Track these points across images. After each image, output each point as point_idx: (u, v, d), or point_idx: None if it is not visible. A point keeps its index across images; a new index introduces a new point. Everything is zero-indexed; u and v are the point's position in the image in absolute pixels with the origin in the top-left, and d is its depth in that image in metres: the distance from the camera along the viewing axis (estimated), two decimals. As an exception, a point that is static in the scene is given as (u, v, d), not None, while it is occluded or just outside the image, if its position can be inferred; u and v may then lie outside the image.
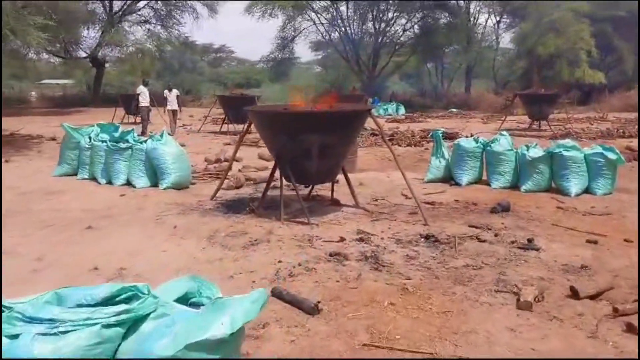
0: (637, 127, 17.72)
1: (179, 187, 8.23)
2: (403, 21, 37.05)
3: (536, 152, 8.07)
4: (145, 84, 17.58)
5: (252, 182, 8.87)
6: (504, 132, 8.51)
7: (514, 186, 8.24)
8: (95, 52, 37.57)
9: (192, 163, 11.00)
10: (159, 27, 40.98)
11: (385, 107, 30.65)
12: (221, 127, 18.51)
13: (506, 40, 45.84)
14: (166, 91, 17.98)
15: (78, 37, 37.01)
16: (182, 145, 14.54)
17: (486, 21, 43.55)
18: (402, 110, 30.76)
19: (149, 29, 40.68)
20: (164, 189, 8.10)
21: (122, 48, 40.32)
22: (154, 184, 8.30)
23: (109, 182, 8.60)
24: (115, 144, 8.55)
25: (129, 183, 8.42)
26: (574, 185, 7.78)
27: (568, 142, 8.13)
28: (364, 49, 36.95)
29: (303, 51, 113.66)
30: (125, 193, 7.90)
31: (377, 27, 36.65)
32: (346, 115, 6.18)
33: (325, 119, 6.06)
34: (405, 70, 44.49)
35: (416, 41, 38.19)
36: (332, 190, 7.32)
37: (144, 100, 17.17)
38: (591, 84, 30.61)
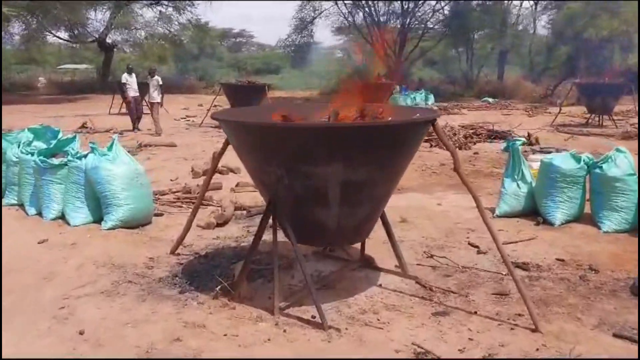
0: None
1: (132, 224, 5.55)
2: (433, 2, 33.97)
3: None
4: (130, 72, 14.77)
5: (246, 211, 6.17)
6: (622, 148, 5.62)
7: (634, 228, 5.41)
8: (103, 35, 35.15)
9: (173, 175, 8.36)
10: (170, 8, 38.47)
11: (413, 96, 27.74)
12: (226, 121, 15.75)
13: (542, 23, 42.50)
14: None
15: (83, 19, 34.66)
16: (172, 145, 12.29)
17: (521, 2, 40.25)
18: (431, 99, 27.76)
19: (160, 11, 38.18)
20: (108, 229, 5.43)
21: (131, 31, 38.11)
22: (99, 219, 5.64)
23: (39, 213, 5.96)
24: (45, 158, 5.88)
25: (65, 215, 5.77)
26: None
27: None
28: (389, 32, 33.83)
29: (324, 35, 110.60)
30: (49, 237, 5.23)
31: (404, 7, 33.52)
32: (393, 130, 3.37)
33: (353, 136, 3.27)
34: (432, 55, 41.41)
35: (446, 23, 35.20)
36: (363, 244, 4.55)
37: (131, 90, 14.45)
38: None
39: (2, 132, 6.92)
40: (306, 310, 3.65)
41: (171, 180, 8.01)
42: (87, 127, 14.79)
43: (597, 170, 5.56)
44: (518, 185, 6.05)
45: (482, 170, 9.00)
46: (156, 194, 7.02)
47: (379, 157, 3.41)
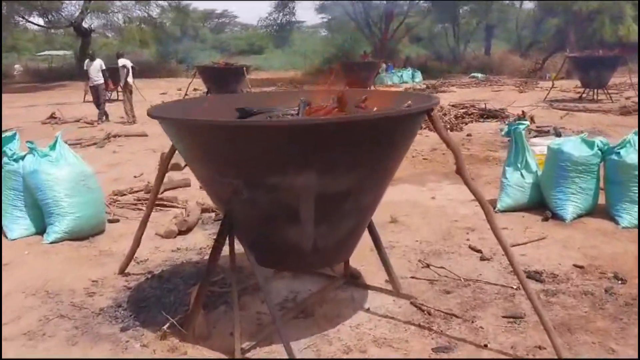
0: None
1: (79, 235, 4.78)
2: (418, -24, 33.05)
3: None
4: (92, 58, 13.75)
5: (214, 214, 5.41)
6: (642, 130, 4.91)
7: (657, 222, 4.74)
8: (79, 19, 33.89)
9: (138, 170, 7.57)
10: (148, -10, 37.32)
11: (399, 73, 26.96)
12: (203, 107, 14.89)
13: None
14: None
15: (56, 4, 33.41)
16: (143, 135, 11.41)
17: (508, -25, 39.28)
18: (418, 77, 27.04)
19: (137, -7, 37.01)
20: (51, 243, 4.65)
21: (107, 15, 36.96)
22: (42, 229, 4.86)
23: (-26, 225, 5.17)
24: (-23, 161, 5.06)
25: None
26: None
27: None
28: (375, 8, 32.91)
29: (307, 14, 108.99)
30: (-21, 254, 4.46)
31: (389, -18, 32.57)
32: (381, 125, 2.58)
33: (329, 135, 2.50)
34: (418, 32, 40.55)
35: (432, -2, 34.42)
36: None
37: (96, 77, 13.45)
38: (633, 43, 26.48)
39: None
40: (277, 351, 2.93)
41: (135, 176, 7.23)
42: (55, 118, 13.88)
43: (614, 157, 4.85)
44: (522, 175, 5.34)
45: (476, 154, 8.28)
46: (116, 195, 6.26)
47: (364, 160, 2.66)
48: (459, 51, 38.76)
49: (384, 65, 24.99)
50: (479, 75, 27.72)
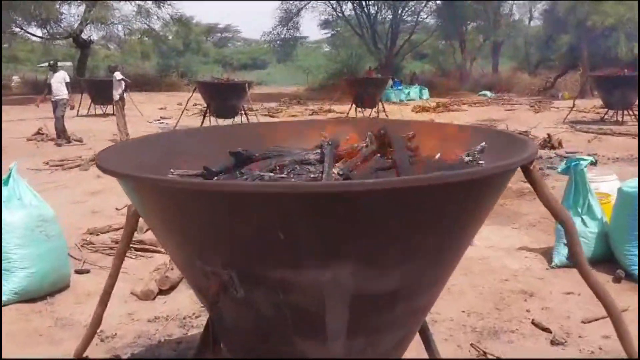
0: None
1: (34, 296, 3.78)
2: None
3: None
4: (54, 69, 12.33)
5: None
6: None
7: None
8: (77, 31, 33.21)
9: (122, 202, 6.55)
10: (149, 2, 36.59)
11: (407, 91, 26.06)
12: (202, 123, 13.94)
13: (538, 13, 40.88)
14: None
15: (55, 14, 32.72)
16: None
17: (517, -8, 38.57)
18: (426, 94, 26.15)
19: (139, 5, 36.30)
20: (-5, 308, 3.66)
21: (107, 26, 36.27)
22: (-12, 288, 3.85)
23: None
24: None
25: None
26: None
27: None
28: (381, 23, 32.19)
29: (311, 30, 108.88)
30: None
31: (396, -3, 31.85)
32: (456, 189, 1.59)
33: (379, 208, 1.50)
34: (422, 48, 39.83)
35: (439, 14, 33.73)
36: None
37: (59, 91, 12.02)
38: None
39: None
40: None
41: (117, 209, 6.22)
42: (42, 134, 12.93)
43: None
44: (584, 222, 4.33)
45: (508, 186, 7.27)
46: (90, 234, 5.27)
47: (426, 244, 1.66)
48: (466, 68, 37.98)
49: (390, 82, 24.10)
50: (488, 93, 26.85)
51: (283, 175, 1.76)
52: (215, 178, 2.00)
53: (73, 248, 4.79)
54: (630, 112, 14.44)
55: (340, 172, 1.74)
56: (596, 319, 3.44)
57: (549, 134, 10.90)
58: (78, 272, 4.34)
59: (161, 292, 3.93)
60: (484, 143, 2.11)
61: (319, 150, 1.98)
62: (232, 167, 2.00)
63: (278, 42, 36.45)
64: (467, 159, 2.01)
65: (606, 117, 15.09)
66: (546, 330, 3.35)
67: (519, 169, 1.83)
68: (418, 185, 1.48)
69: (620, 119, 14.50)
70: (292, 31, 35.08)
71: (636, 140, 11.49)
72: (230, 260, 1.62)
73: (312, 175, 1.80)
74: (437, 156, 2.03)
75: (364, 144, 2.09)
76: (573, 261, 1.93)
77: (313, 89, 32.28)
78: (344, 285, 1.60)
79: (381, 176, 1.80)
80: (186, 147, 2.39)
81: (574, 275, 4.16)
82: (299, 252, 1.53)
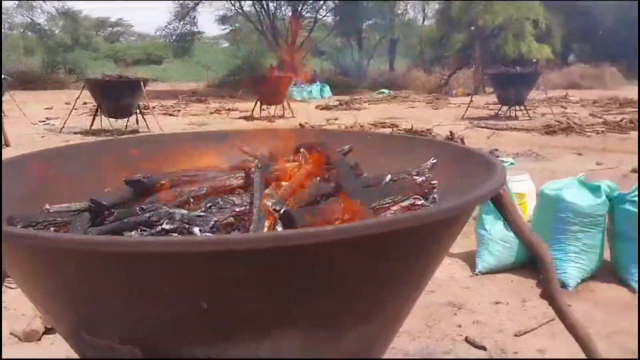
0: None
1: None
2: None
3: None
4: None
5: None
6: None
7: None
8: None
9: None
10: (29, -6, 34.16)
11: (308, 89, 25.94)
12: (92, 124, 12.89)
13: (431, 12, 42.37)
14: None
15: None
16: None
17: (411, -9, 39.71)
18: (327, 92, 26.17)
19: (18, -3, 33.78)
20: None
21: (-18, 21, 33.33)
22: None
23: None
24: None
25: None
26: None
27: None
28: (280, 19, 31.90)
29: (208, 25, 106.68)
30: None
31: (295, -7, 31.73)
32: (422, 229, 1.26)
33: (323, 260, 1.12)
34: (322, 46, 40.11)
35: (337, 11, 34.08)
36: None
37: None
38: (537, 60, 27.22)
39: None
40: None
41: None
42: None
43: (628, 207, 3.84)
44: (506, 225, 4.21)
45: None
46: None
47: (390, 295, 1.31)
48: (364, 66, 38.63)
49: (293, 80, 23.84)
50: (386, 91, 27.34)
51: (200, 213, 1.35)
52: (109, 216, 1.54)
53: None
54: (522, 108, 15.07)
55: (276, 207, 1.36)
56: (528, 331, 3.31)
57: (451, 131, 11.06)
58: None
59: (47, 330, 3.33)
60: (433, 159, 1.81)
61: (242, 173, 1.58)
62: (129, 199, 1.55)
63: (174, 37, 35.18)
64: (419, 179, 1.70)
65: (500, 112, 15.68)
66: (481, 347, 3.15)
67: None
68: (393, 229, 1.13)
69: (513, 114, 15.12)
70: (188, 26, 33.96)
71: (530, 135, 11.99)
72: (131, 334, 1.19)
73: (237, 209, 1.40)
74: (388, 178, 1.70)
75: (296, 162, 1.72)
76: (548, 299, 1.66)
77: (213, 85, 31.43)
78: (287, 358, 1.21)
79: (326, 207, 1.44)
80: (69, 168, 1.89)
81: (499, 282, 4.07)
82: (228, 323, 1.14)
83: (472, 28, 25.38)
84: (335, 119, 15.49)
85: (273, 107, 16.61)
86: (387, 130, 12.26)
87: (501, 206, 1.54)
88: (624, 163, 8.25)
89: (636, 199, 3.80)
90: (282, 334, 1.17)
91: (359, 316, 1.29)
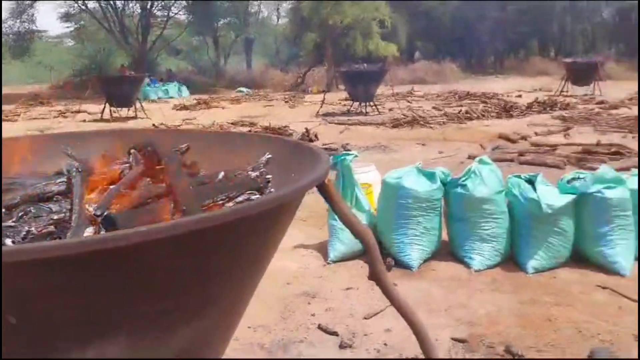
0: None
1: None
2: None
3: (553, 194, 4.09)
4: None
5: None
6: (486, 159, 4.37)
7: (506, 259, 4.25)
8: None
9: None
10: None
11: (164, 88, 25.22)
12: None
13: (284, 11, 43.04)
14: None
15: None
16: None
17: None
18: (185, 91, 25.63)
19: None
20: None
21: None
22: None
23: None
24: None
25: None
26: (624, 251, 4.04)
27: (607, 168, 4.26)
28: (129, 16, 30.53)
29: (50, 23, 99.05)
30: None
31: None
32: (256, 218, 1.30)
33: (148, 258, 1.12)
34: (176, 44, 39.09)
35: (190, 10, 33.45)
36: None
37: None
38: (384, 57, 28.75)
39: None
40: None
41: None
42: None
43: (459, 190, 4.21)
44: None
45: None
46: None
47: (218, 292, 1.33)
48: (221, 65, 38.30)
49: (147, 79, 23.00)
50: (245, 90, 27.34)
51: (11, 224, 1.27)
52: None
53: None
54: (371, 104, 15.82)
55: (98, 212, 1.32)
56: (376, 313, 3.51)
57: (306, 128, 11.36)
58: None
59: None
60: (268, 154, 1.86)
61: (64, 179, 1.51)
62: None
63: (11, 36, 32.27)
64: (253, 174, 1.74)
65: (352, 108, 16.34)
66: (333, 333, 3.29)
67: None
68: (212, 225, 1.15)
69: (364, 110, 15.83)
70: (26, 24, 31.33)
71: (379, 129, 12.65)
72: None
73: (54, 218, 1.33)
74: (222, 175, 1.72)
75: (127, 165, 1.68)
76: (375, 280, 1.79)
77: (58, 87, 29.33)
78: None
79: (155, 208, 1.42)
80: None
81: (350, 269, 4.27)
82: (42, 335, 1.09)
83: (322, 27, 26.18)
84: (194, 119, 15.21)
85: (126, 108, 15.92)
86: (246, 129, 12.28)
87: (326, 195, 1.63)
88: (462, 151, 9.01)
89: (467, 183, 4.18)
90: (107, 339, 1.14)
91: (192, 312, 1.30)
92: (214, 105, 19.51)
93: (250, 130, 11.71)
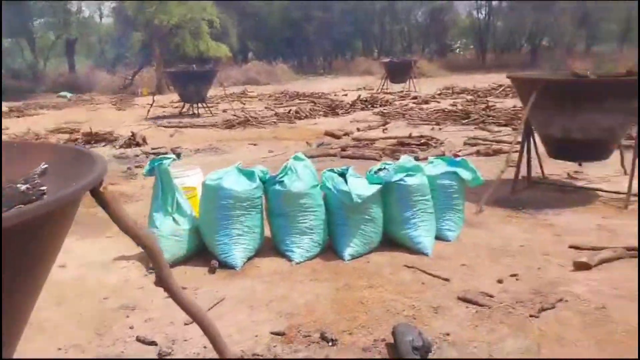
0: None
1: None
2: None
3: (363, 185, 4.39)
4: None
5: None
6: (300, 155, 4.53)
7: (323, 251, 4.48)
8: None
9: None
10: None
11: (-30, 95, 22.59)
12: None
13: (107, 11, 40.75)
14: None
15: None
16: None
17: (83, -12, 37.60)
18: (-5, 98, 23.20)
19: None
20: None
21: None
22: None
23: None
24: None
25: None
26: (426, 232, 4.48)
27: (407, 158, 4.65)
28: None
29: None
30: None
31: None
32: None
33: None
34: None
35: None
36: None
37: None
38: (217, 58, 28.59)
39: None
40: None
41: None
42: None
43: (277, 187, 4.34)
44: (175, 220, 4.38)
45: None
46: None
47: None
48: (40, 68, 35.27)
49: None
50: (68, 94, 25.48)
51: None
52: None
53: None
54: (204, 105, 15.62)
55: None
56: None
57: (132, 132, 10.91)
58: None
59: None
60: (44, 164, 1.78)
61: None
62: None
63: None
64: (23, 187, 1.65)
65: (184, 110, 16.00)
66: (152, 343, 3.22)
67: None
68: None
69: (196, 112, 15.58)
70: None
71: (212, 130, 12.54)
72: None
73: None
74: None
75: None
76: (162, 286, 1.79)
77: None
78: None
79: None
80: None
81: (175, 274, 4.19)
82: None
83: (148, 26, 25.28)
84: (7, 129, 13.82)
85: None
86: (66, 137, 11.45)
87: (102, 203, 1.59)
88: (290, 149, 9.27)
89: (284, 179, 4.32)
90: None
91: None
92: (31, 112, 17.89)
93: (70, 138, 10.95)
